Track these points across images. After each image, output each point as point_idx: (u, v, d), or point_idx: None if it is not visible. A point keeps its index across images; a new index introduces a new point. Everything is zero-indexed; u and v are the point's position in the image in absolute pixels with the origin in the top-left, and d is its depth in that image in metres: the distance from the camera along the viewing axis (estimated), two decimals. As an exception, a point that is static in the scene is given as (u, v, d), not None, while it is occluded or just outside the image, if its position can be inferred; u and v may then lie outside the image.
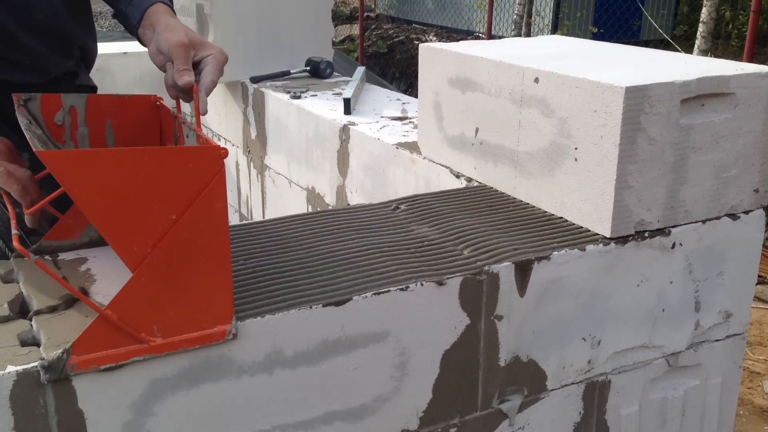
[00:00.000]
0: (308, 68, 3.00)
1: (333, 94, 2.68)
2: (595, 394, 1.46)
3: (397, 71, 10.28)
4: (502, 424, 1.37)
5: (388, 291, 1.18)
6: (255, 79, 2.91)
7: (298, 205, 2.66)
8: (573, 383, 1.42)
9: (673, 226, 1.43)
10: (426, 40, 10.37)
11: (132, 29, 1.43)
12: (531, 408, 1.39)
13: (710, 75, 1.36)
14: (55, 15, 1.51)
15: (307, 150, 2.52)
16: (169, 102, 1.34)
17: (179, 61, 1.21)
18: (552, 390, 1.40)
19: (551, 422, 1.43)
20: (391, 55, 10.78)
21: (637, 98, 1.29)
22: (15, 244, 0.92)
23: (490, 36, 7.18)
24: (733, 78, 1.38)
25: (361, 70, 2.83)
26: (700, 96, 1.36)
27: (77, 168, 0.90)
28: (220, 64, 1.24)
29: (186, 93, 1.23)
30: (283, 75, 2.97)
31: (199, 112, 1.15)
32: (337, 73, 3.07)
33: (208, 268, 1.01)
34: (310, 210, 2.60)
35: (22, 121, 1.13)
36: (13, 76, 1.49)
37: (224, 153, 0.98)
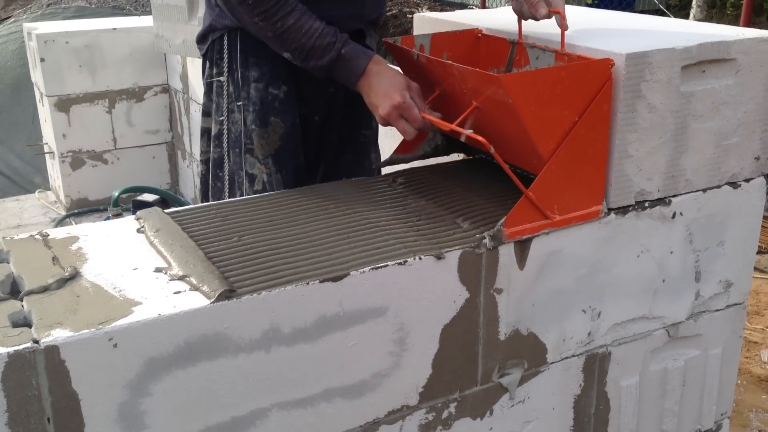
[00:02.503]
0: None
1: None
2: (596, 366, 1.45)
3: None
4: (503, 398, 1.36)
5: (386, 266, 1.16)
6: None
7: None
8: (573, 356, 1.41)
9: (674, 196, 1.41)
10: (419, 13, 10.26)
11: None
12: (531, 381, 1.38)
13: (711, 41, 1.34)
14: None
15: (300, 125, 2.48)
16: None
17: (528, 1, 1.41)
18: (552, 363, 1.39)
19: (551, 395, 1.42)
20: (384, 29, 10.66)
21: (637, 65, 1.26)
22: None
23: (484, 7, 7.10)
24: (734, 43, 1.35)
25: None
26: (701, 62, 1.34)
27: (523, 85, 1.18)
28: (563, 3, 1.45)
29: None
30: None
31: (564, 28, 1.37)
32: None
33: (593, 158, 1.28)
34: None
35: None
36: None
37: (613, 63, 1.24)
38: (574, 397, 1.45)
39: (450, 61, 1.32)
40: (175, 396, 1.04)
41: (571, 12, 1.73)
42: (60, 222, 3.64)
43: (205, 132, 1.68)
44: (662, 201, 1.40)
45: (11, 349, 0.92)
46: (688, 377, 1.58)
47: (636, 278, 1.42)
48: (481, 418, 1.34)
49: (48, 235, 1.24)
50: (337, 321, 1.15)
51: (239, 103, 1.59)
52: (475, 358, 1.30)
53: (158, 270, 1.13)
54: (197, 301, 1.04)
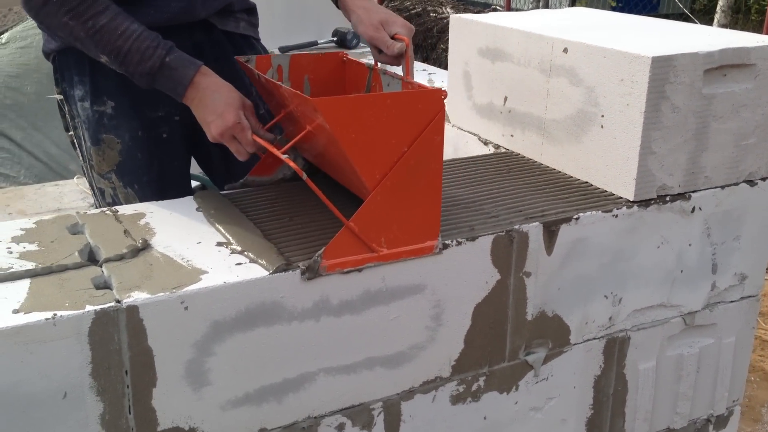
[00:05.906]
0: (335, 39, 3.07)
1: (360, 64, 2.74)
2: (615, 349, 1.54)
3: (414, 44, 10.20)
4: (528, 374, 1.46)
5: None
6: (283, 49, 2.99)
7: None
8: (595, 338, 1.51)
9: (693, 191, 1.50)
10: (442, 13, 10.35)
11: None
12: (555, 360, 1.48)
13: (732, 46, 1.43)
14: None
15: (335, 118, 2.59)
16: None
17: (382, 44, 1.44)
18: (575, 344, 1.49)
19: (573, 374, 1.52)
20: (407, 27, 10.73)
21: (662, 68, 1.36)
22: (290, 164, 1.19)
23: (509, 9, 7.17)
24: (754, 50, 1.45)
25: (387, 41, 2.89)
26: (722, 66, 1.43)
27: (342, 110, 1.12)
28: (410, 33, 1.48)
29: (396, 59, 1.46)
30: (311, 45, 3.04)
31: (409, 56, 1.43)
32: (362, 44, 3.13)
33: (425, 191, 1.21)
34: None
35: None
36: None
37: (445, 94, 1.19)
38: (594, 377, 1.54)
39: (280, 83, 1.30)
40: (235, 357, 1.16)
41: (598, 16, 1.83)
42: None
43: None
44: (682, 196, 1.49)
45: (98, 308, 1.04)
46: (703, 364, 1.67)
47: (655, 268, 1.52)
48: (507, 393, 1.44)
49: (117, 211, 1.36)
50: (380, 296, 1.25)
51: (77, 121, 1.62)
52: (504, 335, 1.40)
53: (220, 244, 1.24)
54: (257, 272, 1.16)
